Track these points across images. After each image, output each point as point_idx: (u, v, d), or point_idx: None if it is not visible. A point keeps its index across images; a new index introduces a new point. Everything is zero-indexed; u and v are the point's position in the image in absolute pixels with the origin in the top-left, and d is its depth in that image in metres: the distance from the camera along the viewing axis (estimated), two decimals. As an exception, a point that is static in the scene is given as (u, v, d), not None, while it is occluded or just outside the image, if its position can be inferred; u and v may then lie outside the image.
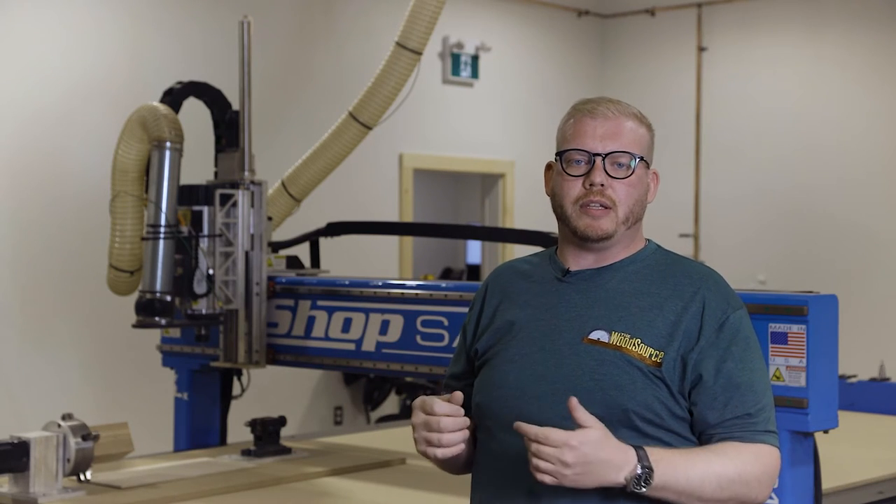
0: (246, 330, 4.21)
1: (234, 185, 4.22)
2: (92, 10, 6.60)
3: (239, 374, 4.59)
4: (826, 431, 3.08)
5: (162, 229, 4.09)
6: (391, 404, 8.12)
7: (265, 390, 6.45)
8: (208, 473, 3.82)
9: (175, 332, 4.51)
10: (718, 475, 1.99)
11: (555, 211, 2.18)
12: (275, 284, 4.27)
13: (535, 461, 1.91)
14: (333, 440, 4.62)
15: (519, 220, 8.81)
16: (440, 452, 2.04)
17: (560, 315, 2.13)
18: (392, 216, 8.12)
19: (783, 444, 2.33)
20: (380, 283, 4.02)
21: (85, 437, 3.46)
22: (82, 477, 3.51)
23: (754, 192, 8.81)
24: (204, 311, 4.15)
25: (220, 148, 4.41)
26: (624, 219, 2.13)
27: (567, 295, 2.15)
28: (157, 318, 4.08)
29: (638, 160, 2.13)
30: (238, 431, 4.60)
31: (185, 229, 4.14)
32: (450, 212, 11.39)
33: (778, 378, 3.00)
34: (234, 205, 4.19)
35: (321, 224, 4.79)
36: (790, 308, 3.03)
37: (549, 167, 2.23)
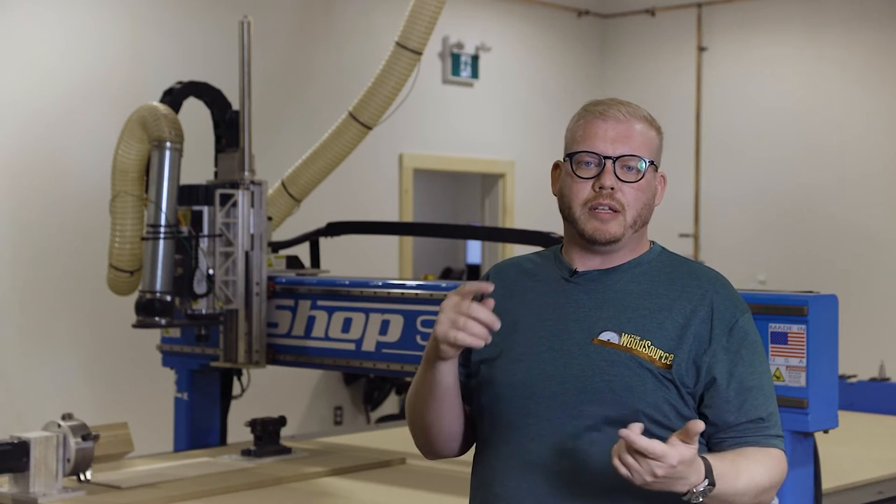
0: (246, 330, 4.21)
1: (234, 185, 4.22)
2: (92, 10, 6.59)
3: (239, 374, 4.59)
4: (826, 431, 3.09)
5: (162, 229, 4.09)
6: (391, 404, 8.11)
7: (265, 390, 6.44)
8: (208, 473, 3.82)
9: (175, 332, 4.51)
10: (757, 485, 2.02)
11: (562, 212, 2.18)
12: (275, 284, 4.27)
13: (625, 458, 1.87)
14: (333, 440, 4.62)
15: (519, 220, 8.81)
16: (461, 336, 1.98)
17: (568, 315, 2.13)
18: (392, 216, 8.12)
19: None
20: (380, 283, 4.02)
21: (85, 437, 3.46)
22: (82, 477, 3.51)
23: (754, 192, 8.81)
24: (204, 311, 4.15)
25: (220, 148, 4.41)
26: (632, 222, 2.13)
27: (575, 295, 2.15)
28: (157, 318, 4.08)
29: (648, 164, 2.13)
30: (238, 431, 4.60)
31: (185, 229, 4.14)
32: (450, 212, 11.39)
33: (778, 378, 3.00)
34: (234, 205, 4.19)
35: (321, 224, 4.79)
36: (790, 308, 3.03)
37: (556, 167, 2.22)
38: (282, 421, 4.21)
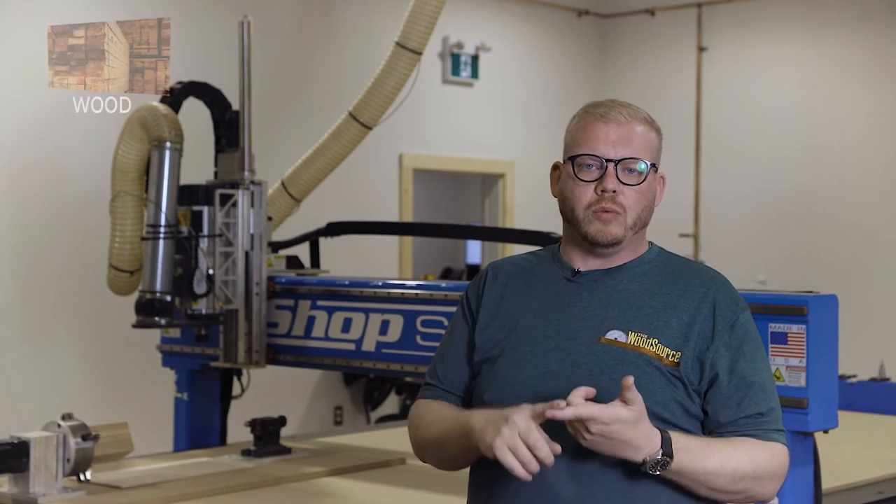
0: (246, 330, 4.21)
1: (234, 185, 4.22)
2: (91, 11, 6.58)
3: (239, 374, 4.59)
4: (826, 431, 3.09)
5: (162, 229, 4.09)
6: (391, 404, 8.11)
7: (265, 390, 6.44)
8: (208, 473, 3.82)
9: (175, 332, 4.51)
10: (734, 469, 2.02)
11: (563, 214, 2.18)
12: (275, 284, 4.27)
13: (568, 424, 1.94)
14: (333, 440, 4.62)
15: (519, 220, 8.81)
16: (517, 469, 1.94)
17: (572, 315, 2.13)
18: (392, 216, 8.12)
19: (783, 444, 2.34)
20: (380, 283, 4.02)
21: (85, 437, 3.45)
22: (82, 477, 3.50)
23: (754, 192, 8.81)
24: (204, 311, 4.15)
25: (220, 148, 4.41)
26: (633, 224, 2.13)
27: (578, 295, 2.15)
28: (157, 318, 4.08)
29: (649, 166, 2.14)
30: (238, 431, 4.60)
31: (185, 229, 4.14)
32: (450, 212, 11.38)
33: (778, 378, 3.00)
34: (234, 205, 4.19)
35: (321, 224, 4.79)
36: (790, 308, 3.03)
37: (555, 168, 2.22)
38: (282, 421, 4.21)
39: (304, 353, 4.20)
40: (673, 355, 2.08)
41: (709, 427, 2.10)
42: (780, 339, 3.03)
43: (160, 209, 4.10)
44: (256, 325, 4.20)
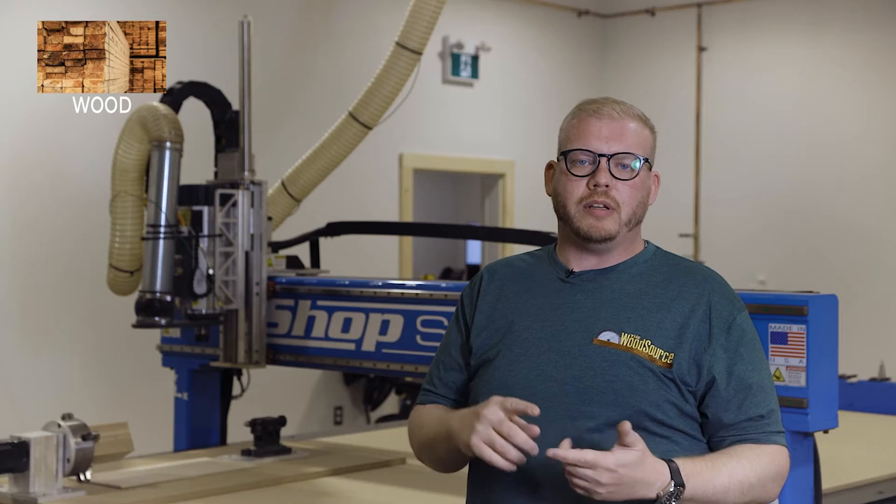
0: (246, 330, 4.21)
1: (234, 185, 4.22)
2: (91, 11, 6.59)
3: (239, 374, 4.59)
4: (826, 431, 3.09)
5: (162, 229, 4.09)
6: (391, 404, 8.12)
7: (265, 390, 6.44)
8: (208, 473, 3.82)
9: (175, 332, 4.51)
10: (741, 482, 2.02)
11: (557, 211, 2.18)
12: (275, 284, 4.27)
13: (570, 478, 1.92)
14: (333, 440, 4.62)
15: (519, 220, 8.81)
16: (496, 459, 1.96)
17: (566, 316, 2.13)
18: (392, 216, 8.12)
19: (783, 444, 2.34)
20: (380, 283, 4.02)
21: (85, 437, 3.46)
22: (82, 477, 3.51)
23: (754, 192, 8.81)
24: (204, 311, 4.15)
25: (220, 148, 4.41)
26: (626, 220, 2.13)
27: (572, 296, 2.15)
28: (157, 318, 4.08)
29: (642, 162, 2.14)
30: (238, 431, 4.60)
31: (185, 229, 4.14)
32: (450, 212, 11.38)
33: (778, 378, 3.00)
34: (234, 205, 4.19)
35: (321, 224, 4.79)
36: (790, 308, 3.03)
37: (549, 167, 2.22)
38: (282, 421, 4.21)
39: (304, 353, 4.20)
40: (666, 356, 2.07)
41: (709, 430, 2.09)
42: (780, 339, 3.03)
43: (160, 209, 4.10)
44: (256, 325, 4.20)
